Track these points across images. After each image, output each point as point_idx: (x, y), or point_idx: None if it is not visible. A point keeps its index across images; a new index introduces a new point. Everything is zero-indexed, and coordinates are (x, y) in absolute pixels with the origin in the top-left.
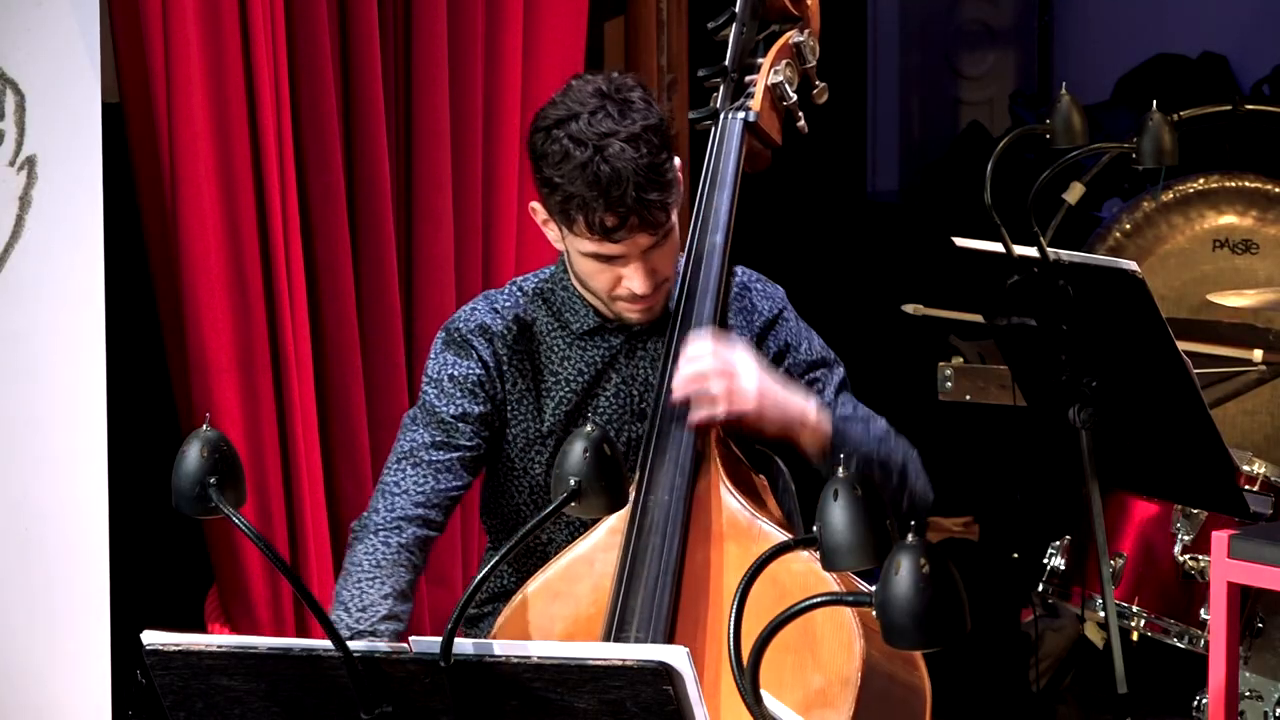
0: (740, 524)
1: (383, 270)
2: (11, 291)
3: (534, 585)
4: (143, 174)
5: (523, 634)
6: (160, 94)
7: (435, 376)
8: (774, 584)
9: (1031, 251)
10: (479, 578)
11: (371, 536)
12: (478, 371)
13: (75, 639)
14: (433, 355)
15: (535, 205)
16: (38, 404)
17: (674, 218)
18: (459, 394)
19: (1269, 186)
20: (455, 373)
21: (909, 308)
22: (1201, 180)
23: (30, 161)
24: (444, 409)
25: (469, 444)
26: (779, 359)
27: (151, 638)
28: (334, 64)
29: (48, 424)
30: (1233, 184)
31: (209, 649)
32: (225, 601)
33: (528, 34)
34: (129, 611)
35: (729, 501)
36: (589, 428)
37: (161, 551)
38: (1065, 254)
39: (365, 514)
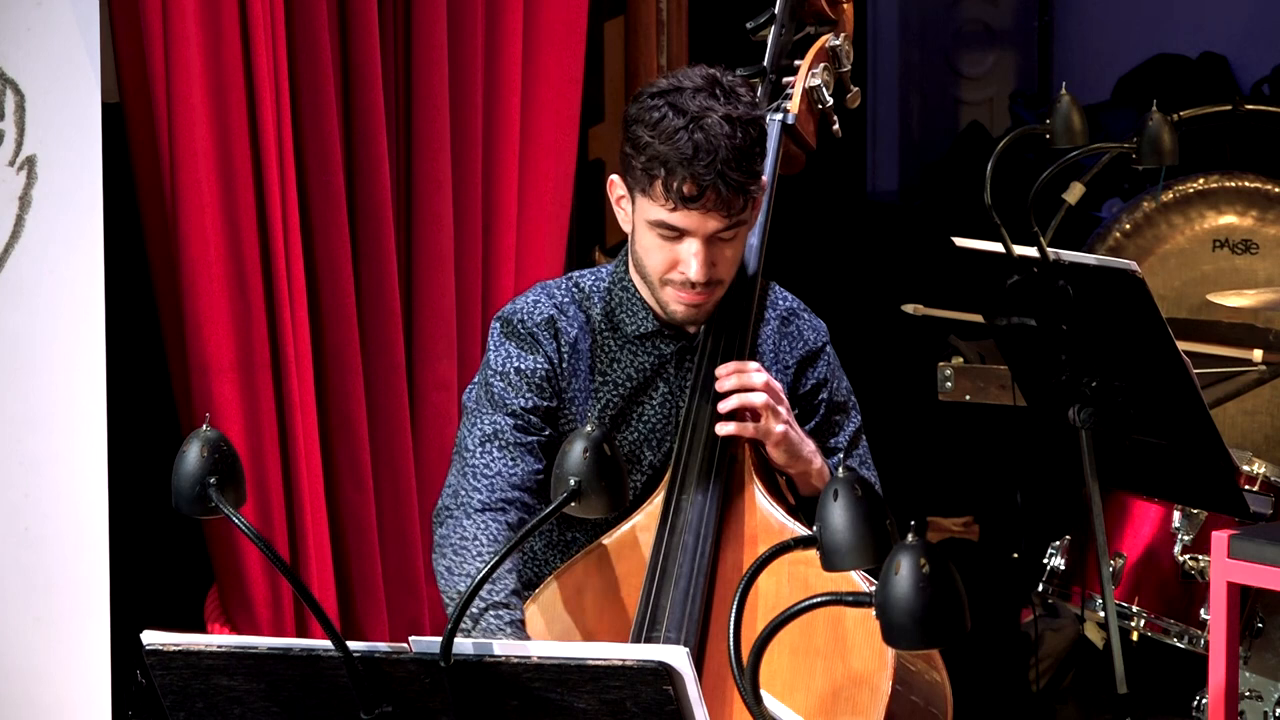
0: (773, 527)
1: (383, 270)
2: (11, 291)
3: (560, 579)
4: (143, 174)
5: (547, 629)
6: (160, 94)
7: (501, 369)
8: (804, 588)
9: (1031, 251)
10: (479, 577)
11: (477, 514)
12: (545, 367)
13: (75, 639)
14: (494, 346)
15: (614, 178)
16: (38, 404)
17: (747, 218)
18: (527, 388)
19: (1269, 186)
20: (522, 366)
21: (909, 308)
22: (1201, 180)
23: (30, 161)
24: (515, 401)
25: (544, 432)
26: (816, 390)
27: (151, 638)
28: (334, 64)
29: (48, 424)
30: (1233, 184)
31: (209, 649)
32: (225, 601)
33: (528, 34)
34: (129, 611)
35: (762, 504)
36: (589, 428)
37: (161, 551)
38: (1065, 254)
39: (460, 494)
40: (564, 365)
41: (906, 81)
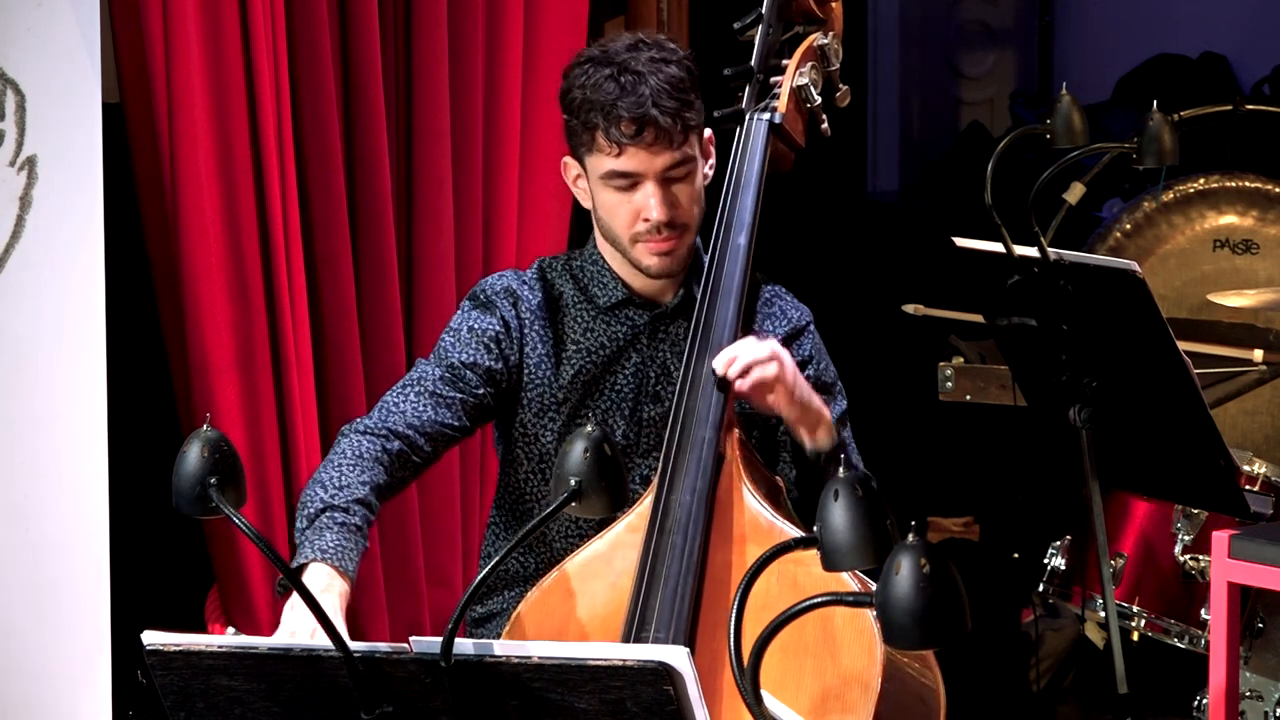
0: (761, 526)
1: (383, 270)
2: (11, 291)
3: (550, 581)
4: (143, 174)
5: (538, 630)
6: (160, 94)
7: (455, 327)
8: (794, 587)
9: (1032, 251)
10: (479, 578)
11: (358, 435)
12: (496, 328)
13: (75, 639)
14: (458, 313)
15: (566, 160)
16: (38, 404)
17: (695, 152)
18: (473, 344)
19: (1269, 186)
20: (475, 325)
21: (909, 308)
22: (1201, 180)
23: (30, 161)
24: (456, 354)
25: (475, 391)
26: (801, 368)
27: (151, 638)
28: (334, 64)
29: (48, 424)
30: (1233, 184)
31: (209, 649)
32: (225, 601)
33: (528, 34)
34: (129, 611)
35: (750, 503)
36: (589, 428)
37: (161, 551)
38: (1065, 254)
39: (356, 420)
40: (523, 330)
41: (906, 81)
